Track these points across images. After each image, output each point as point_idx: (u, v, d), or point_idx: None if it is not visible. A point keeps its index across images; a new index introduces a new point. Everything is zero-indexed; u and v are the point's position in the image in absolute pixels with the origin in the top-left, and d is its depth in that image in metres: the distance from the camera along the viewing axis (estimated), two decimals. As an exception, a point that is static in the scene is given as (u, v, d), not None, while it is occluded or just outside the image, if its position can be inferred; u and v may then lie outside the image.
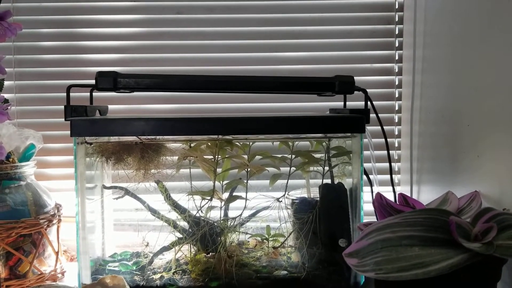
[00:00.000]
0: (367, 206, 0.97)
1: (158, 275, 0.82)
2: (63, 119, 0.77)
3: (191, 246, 0.85)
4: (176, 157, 0.86)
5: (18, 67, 1.09)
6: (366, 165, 0.92)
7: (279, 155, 0.87)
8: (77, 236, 0.80)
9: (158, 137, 0.81)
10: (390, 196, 0.85)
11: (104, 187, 0.88)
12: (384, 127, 0.94)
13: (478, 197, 0.73)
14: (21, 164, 0.89)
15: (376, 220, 0.80)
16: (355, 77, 0.82)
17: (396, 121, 1.13)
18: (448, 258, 0.54)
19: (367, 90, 0.83)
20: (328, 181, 0.87)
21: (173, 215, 0.86)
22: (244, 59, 1.11)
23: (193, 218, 0.85)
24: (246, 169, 0.86)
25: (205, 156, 0.85)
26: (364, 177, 0.89)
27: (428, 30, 0.99)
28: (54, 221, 0.90)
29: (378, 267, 0.54)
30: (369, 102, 0.84)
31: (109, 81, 0.77)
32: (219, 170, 0.86)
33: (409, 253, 0.54)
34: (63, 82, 1.04)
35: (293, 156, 0.87)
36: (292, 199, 0.87)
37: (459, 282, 0.57)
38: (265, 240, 0.88)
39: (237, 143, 0.86)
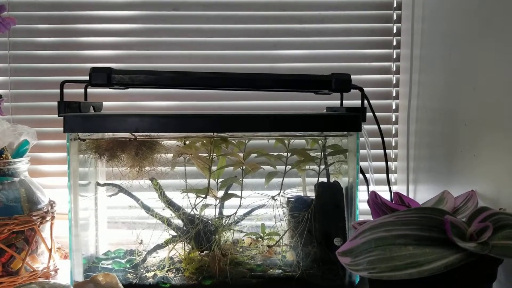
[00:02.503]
0: (363, 205, 0.96)
1: (152, 273, 0.81)
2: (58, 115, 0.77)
3: (185, 244, 0.85)
4: (171, 155, 0.85)
5: (13, 62, 1.08)
6: (362, 163, 0.91)
7: (275, 153, 0.87)
8: (70, 233, 0.79)
9: (152, 134, 0.80)
10: (386, 195, 0.84)
11: (98, 184, 0.87)
12: (381, 126, 0.94)
13: (475, 197, 0.72)
14: (14, 160, 0.88)
15: (371, 219, 0.80)
16: (352, 76, 0.82)
17: (393, 120, 1.12)
18: (442, 257, 0.53)
19: (364, 88, 0.82)
20: (324, 179, 0.87)
21: (167, 213, 0.85)
22: (241, 56, 1.11)
23: (187, 216, 0.84)
24: (241, 167, 0.85)
25: (200, 154, 0.85)
26: (361, 176, 0.89)
27: (426, 29, 0.98)
28: (48, 218, 0.89)
29: (371, 266, 0.54)
30: (366, 101, 0.83)
31: (103, 77, 0.77)
32: (214, 168, 0.85)
33: (403, 252, 0.54)
34: (58, 78, 1.02)
35: (289, 154, 0.86)
36: (288, 198, 0.86)
37: (453, 282, 0.56)
38: (259, 239, 0.88)
39: (232, 141, 0.85)
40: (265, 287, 0.80)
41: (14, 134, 0.91)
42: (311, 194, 0.87)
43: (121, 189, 0.85)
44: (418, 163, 1.02)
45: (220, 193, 0.86)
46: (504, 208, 0.67)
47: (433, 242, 0.56)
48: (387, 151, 0.96)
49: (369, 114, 0.83)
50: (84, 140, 0.80)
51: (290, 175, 0.87)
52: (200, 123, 0.77)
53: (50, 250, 0.90)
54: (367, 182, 0.94)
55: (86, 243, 0.85)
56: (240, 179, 0.85)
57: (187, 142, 0.84)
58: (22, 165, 0.90)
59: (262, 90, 0.85)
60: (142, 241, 0.85)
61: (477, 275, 0.58)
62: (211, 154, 0.84)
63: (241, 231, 0.87)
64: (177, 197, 0.85)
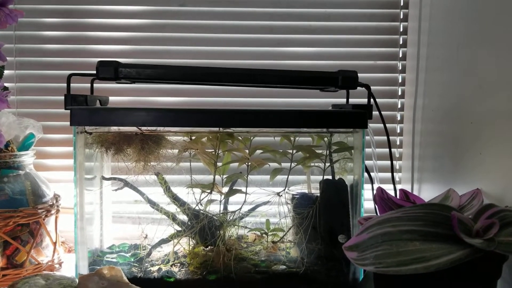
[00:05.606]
0: (367, 203, 0.96)
1: (156, 267, 0.82)
2: (63, 109, 0.77)
3: (190, 239, 0.85)
4: (177, 150, 0.85)
5: (19, 56, 1.09)
6: (367, 162, 0.91)
7: (280, 150, 0.87)
8: (75, 226, 0.79)
9: (158, 128, 0.80)
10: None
11: (103, 178, 0.87)
12: (386, 125, 0.94)
13: (480, 195, 0.72)
14: (20, 153, 0.88)
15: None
16: (358, 74, 0.82)
17: (399, 119, 1.12)
18: (449, 253, 0.53)
19: (370, 87, 0.82)
20: (329, 177, 0.87)
21: (172, 208, 0.85)
22: (247, 53, 1.11)
23: (192, 211, 0.84)
24: (246, 163, 0.85)
25: (206, 149, 0.85)
26: (365, 174, 0.89)
27: (432, 28, 0.98)
28: (52, 211, 0.90)
29: (378, 261, 0.54)
30: (371, 99, 0.83)
31: (110, 70, 0.77)
32: (219, 163, 0.85)
33: (410, 248, 0.54)
34: (64, 72, 1.03)
35: (294, 151, 0.86)
36: (292, 194, 0.86)
37: (459, 278, 0.57)
38: (264, 235, 0.88)
39: (238, 137, 0.85)
40: (269, 283, 0.80)
41: (20, 127, 0.91)
42: (316, 191, 0.87)
43: (126, 183, 0.85)
44: (423, 162, 1.02)
45: (225, 189, 0.86)
46: (510, 206, 0.67)
47: (439, 238, 0.56)
48: (392, 150, 0.96)
49: (374, 113, 0.83)
50: (90, 133, 0.80)
51: (295, 172, 0.87)
52: (206, 118, 0.78)
53: (54, 244, 0.91)
54: (371, 180, 0.94)
55: (91, 237, 0.85)
56: (245, 175, 0.85)
57: (193, 137, 0.84)
58: (27, 158, 0.90)
59: (269, 86, 0.85)
60: (147, 235, 0.86)
61: (483, 271, 0.58)
62: (217, 149, 0.84)
63: (246, 227, 0.87)
64: (182, 192, 0.85)
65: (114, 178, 0.86)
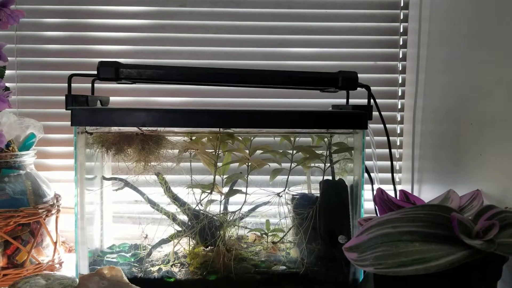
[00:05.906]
0: (367, 204, 0.96)
1: (156, 267, 0.82)
2: (64, 109, 0.77)
3: (190, 239, 0.85)
4: (177, 150, 0.85)
5: (20, 56, 1.09)
6: (367, 162, 0.91)
7: (281, 150, 0.87)
8: (76, 226, 0.80)
9: (159, 128, 0.81)
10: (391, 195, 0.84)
11: (104, 178, 0.87)
12: (387, 125, 0.94)
13: (480, 196, 0.72)
14: (21, 153, 0.88)
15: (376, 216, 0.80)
16: (358, 75, 0.82)
17: (399, 119, 1.13)
18: (448, 254, 0.53)
19: (370, 87, 0.82)
20: (329, 177, 0.87)
21: (173, 208, 0.85)
22: (248, 53, 1.11)
23: (192, 211, 0.84)
24: (247, 163, 0.85)
25: (206, 150, 0.85)
26: (365, 175, 0.89)
27: (433, 28, 0.99)
28: (53, 211, 0.90)
29: (377, 262, 0.54)
30: (372, 99, 0.83)
31: (111, 71, 0.77)
32: (219, 163, 0.85)
33: (410, 249, 0.54)
34: (65, 73, 1.03)
35: (295, 151, 0.86)
36: (293, 195, 0.86)
37: (459, 279, 0.57)
38: (264, 235, 0.88)
39: (238, 137, 0.85)
40: (269, 283, 0.80)
41: (21, 127, 0.91)
42: (316, 192, 0.87)
43: (126, 183, 0.85)
44: (423, 162, 1.02)
45: (225, 189, 0.86)
46: (510, 207, 0.67)
47: (439, 239, 0.56)
48: (392, 150, 0.96)
49: (374, 114, 0.83)
50: (91, 133, 0.80)
51: (295, 173, 0.87)
52: (206, 119, 0.78)
53: (55, 243, 0.91)
54: (371, 181, 0.94)
55: (91, 236, 0.85)
56: (245, 175, 0.85)
57: (194, 138, 0.85)
58: (28, 158, 0.90)
59: (269, 87, 0.85)
60: (147, 235, 0.86)
61: (482, 272, 0.58)
62: (217, 149, 0.85)
63: (246, 227, 0.87)
64: (182, 192, 0.85)
65: (115, 178, 0.86)
